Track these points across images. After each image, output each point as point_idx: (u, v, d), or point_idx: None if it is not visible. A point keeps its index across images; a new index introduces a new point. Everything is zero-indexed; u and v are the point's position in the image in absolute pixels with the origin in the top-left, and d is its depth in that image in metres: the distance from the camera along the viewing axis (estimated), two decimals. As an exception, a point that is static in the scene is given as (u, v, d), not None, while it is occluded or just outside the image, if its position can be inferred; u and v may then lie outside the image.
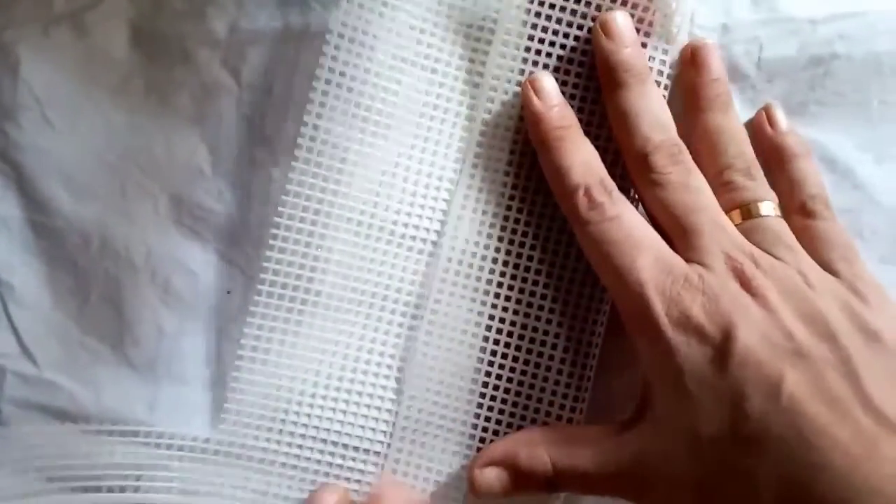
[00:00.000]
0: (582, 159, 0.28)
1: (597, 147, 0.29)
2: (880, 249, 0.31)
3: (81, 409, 0.30)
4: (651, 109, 0.28)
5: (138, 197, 0.31)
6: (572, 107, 0.29)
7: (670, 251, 0.27)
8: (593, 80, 0.29)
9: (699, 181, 0.28)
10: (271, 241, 0.29)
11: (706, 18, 0.31)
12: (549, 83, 0.29)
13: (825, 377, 0.24)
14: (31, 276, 0.30)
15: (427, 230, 0.30)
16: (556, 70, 0.29)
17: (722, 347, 0.25)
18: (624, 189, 0.29)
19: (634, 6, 0.29)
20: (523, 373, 0.30)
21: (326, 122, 0.29)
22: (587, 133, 0.29)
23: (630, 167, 0.29)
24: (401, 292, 0.30)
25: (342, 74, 0.29)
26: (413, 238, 0.30)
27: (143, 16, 0.31)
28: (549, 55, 0.29)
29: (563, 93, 0.29)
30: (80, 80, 0.30)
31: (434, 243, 0.30)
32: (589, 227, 0.27)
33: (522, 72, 0.29)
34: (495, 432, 0.30)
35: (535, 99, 0.29)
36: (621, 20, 0.29)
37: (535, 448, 0.28)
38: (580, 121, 0.29)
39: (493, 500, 0.30)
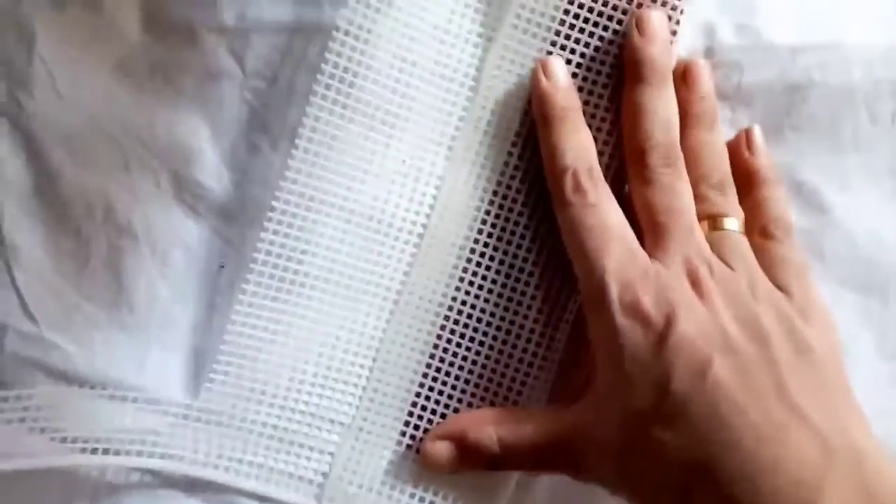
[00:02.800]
0: (578, 144, 0.30)
1: (595, 140, 0.30)
2: (839, 272, 0.33)
3: (75, 370, 0.31)
4: (663, 110, 0.30)
5: (140, 171, 0.32)
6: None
7: (637, 246, 0.29)
8: (601, 75, 0.31)
9: (684, 188, 0.30)
10: (266, 224, 0.31)
11: (692, 41, 0.32)
12: (559, 66, 0.30)
13: (750, 370, 0.27)
14: (36, 239, 0.31)
15: (414, 223, 0.32)
16: (566, 62, 0.31)
17: (662, 333, 0.27)
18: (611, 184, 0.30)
19: (671, 7, 0.30)
20: (487, 357, 0.32)
21: (327, 115, 0.30)
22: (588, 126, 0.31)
23: (627, 158, 0.30)
24: (384, 278, 0.32)
25: (345, 71, 0.30)
26: (400, 229, 0.32)
27: (157, -2, 0.31)
28: (571, 49, 0.31)
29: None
30: (89, 56, 0.31)
31: (420, 235, 0.32)
32: (569, 209, 0.29)
33: (519, 71, 0.31)
34: (455, 410, 0.31)
35: (543, 78, 0.30)
36: (657, 20, 0.30)
37: (483, 425, 0.30)
38: (584, 113, 0.31)
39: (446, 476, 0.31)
